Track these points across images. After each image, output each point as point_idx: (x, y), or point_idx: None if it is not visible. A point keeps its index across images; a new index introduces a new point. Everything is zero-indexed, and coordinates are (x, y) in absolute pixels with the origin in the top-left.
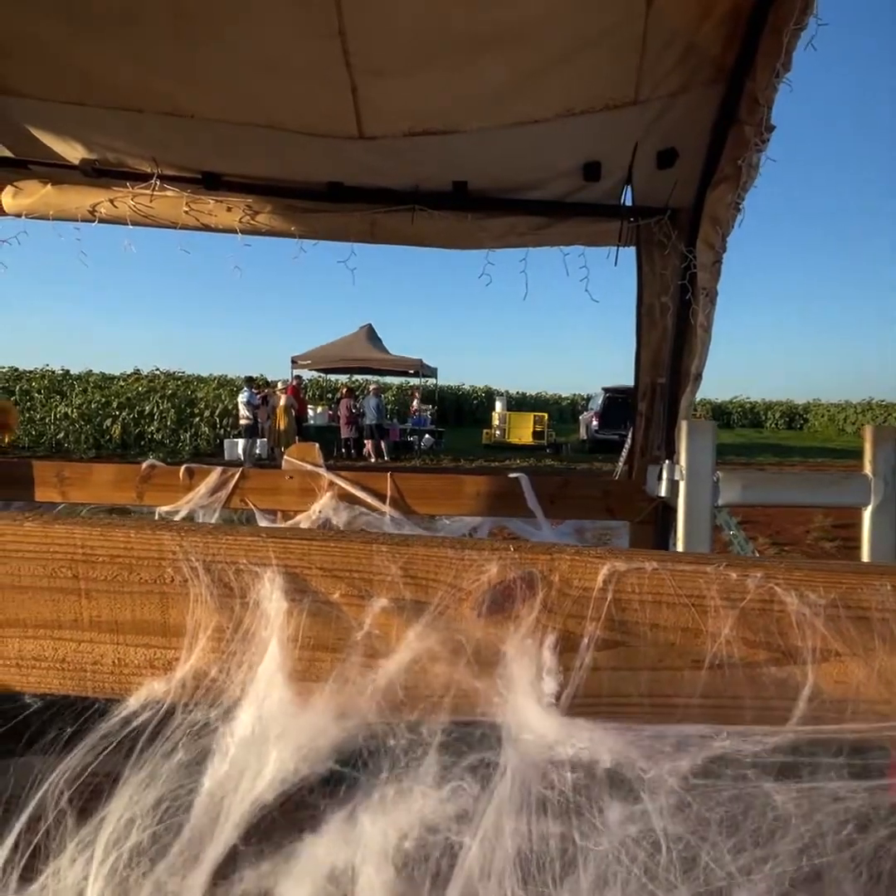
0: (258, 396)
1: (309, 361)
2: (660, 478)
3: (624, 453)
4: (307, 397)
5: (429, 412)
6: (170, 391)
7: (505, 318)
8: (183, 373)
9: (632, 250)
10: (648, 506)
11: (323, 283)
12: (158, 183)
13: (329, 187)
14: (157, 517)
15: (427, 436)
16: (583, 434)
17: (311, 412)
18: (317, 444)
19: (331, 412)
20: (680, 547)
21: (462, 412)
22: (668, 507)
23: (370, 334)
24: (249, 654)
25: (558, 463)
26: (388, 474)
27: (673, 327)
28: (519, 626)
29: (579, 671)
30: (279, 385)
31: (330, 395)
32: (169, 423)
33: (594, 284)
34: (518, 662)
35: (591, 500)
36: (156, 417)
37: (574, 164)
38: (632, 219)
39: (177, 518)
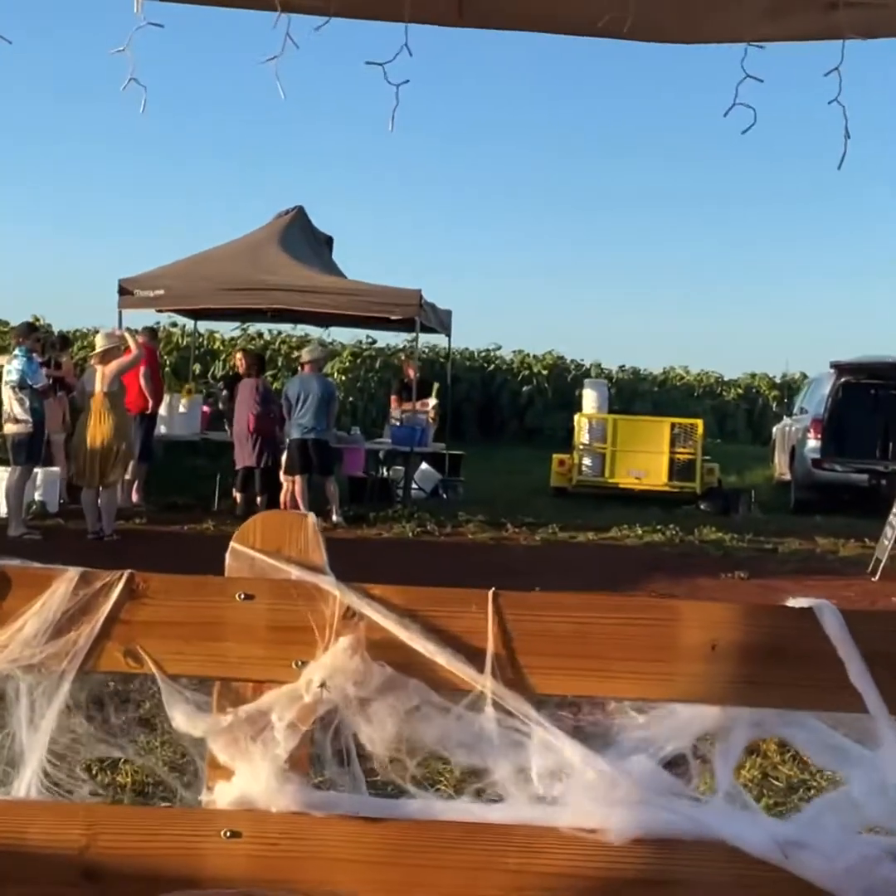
0: (43, 368)
1: (160, 292)
2: None
3: (894, 517)
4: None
5: (431, 411)
6: None
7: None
8: None
9: None
10: None
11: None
12: None
13: None
14: None
15: (424, 465)
16: (780, 467)
17: (163, 406)
18: (310, 516)
19: (207, 407)
20: None
21: (496, 411)
22: None
23: (298, 230)
24: None
25: (729, 538)
26: (490, 594)
27: None
28: None
29: None
30: (100, 342)
31: (201, 369)
32: None
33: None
34: None
35: None
36: None
37: None
38: None
39: None
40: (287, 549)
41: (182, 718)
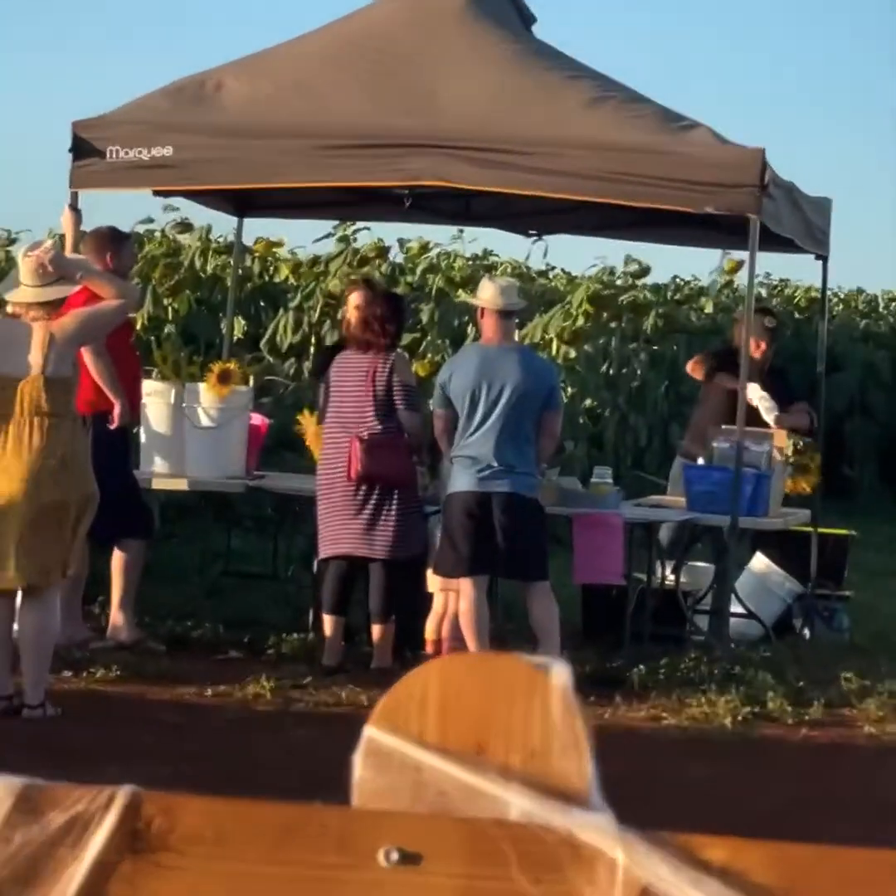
0: None
1: (165, 150)
2: None
3: None
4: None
5: (786, 441)
6: None
7: None
8: None
9: None
10: None
11: None
12: None
13: None
14: None
15: (759, 559)
16: None
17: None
18: (559, 669)
19: (259, 418)
20: None
21: None
22: None
23: (476, 3)
24: None
25: None
26: None
27: None
28: None
29: None
30: (29, 279)
31: (250, 328)
32: None
33: None
34: None
35: None
36: None
37: None
38: None
39: None
40: (499, 743)
41: None
